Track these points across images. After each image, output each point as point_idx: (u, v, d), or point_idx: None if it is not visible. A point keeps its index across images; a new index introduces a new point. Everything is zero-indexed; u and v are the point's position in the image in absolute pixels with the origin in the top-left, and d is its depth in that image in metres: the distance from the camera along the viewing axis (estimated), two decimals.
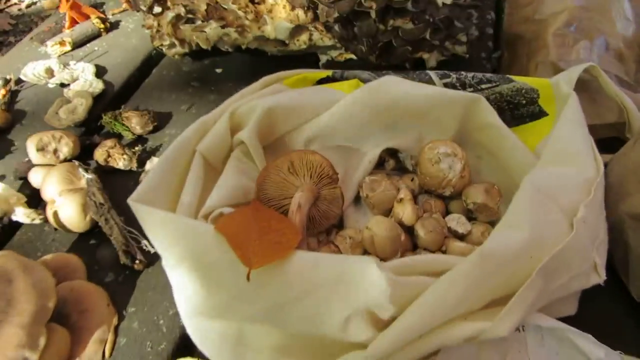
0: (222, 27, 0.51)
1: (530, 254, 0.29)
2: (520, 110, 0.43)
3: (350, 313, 0.29)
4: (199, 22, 0.52)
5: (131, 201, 0.34)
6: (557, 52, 0.47)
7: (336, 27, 0.47)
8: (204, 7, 0.50)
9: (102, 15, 0.67)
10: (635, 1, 0.54)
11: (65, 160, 0.47)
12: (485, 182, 0.41)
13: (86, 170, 0.44)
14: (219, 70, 0.59)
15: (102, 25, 0.65)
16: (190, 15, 0.51)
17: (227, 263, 0.31)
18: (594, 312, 0.34)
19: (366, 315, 0.29)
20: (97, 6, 0.71)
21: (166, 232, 0.33)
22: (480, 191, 0.39)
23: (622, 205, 0.35)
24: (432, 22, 0.45)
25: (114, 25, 0.67)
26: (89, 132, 0.52)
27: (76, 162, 0.45)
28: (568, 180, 0.34)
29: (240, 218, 0.34)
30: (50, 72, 0.57)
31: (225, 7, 0.49)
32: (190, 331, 0.33)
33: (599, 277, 0.32)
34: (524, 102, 0.42)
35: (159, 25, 0.54)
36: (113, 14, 0.69)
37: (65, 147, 0.47)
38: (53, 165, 0.46)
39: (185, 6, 0.50)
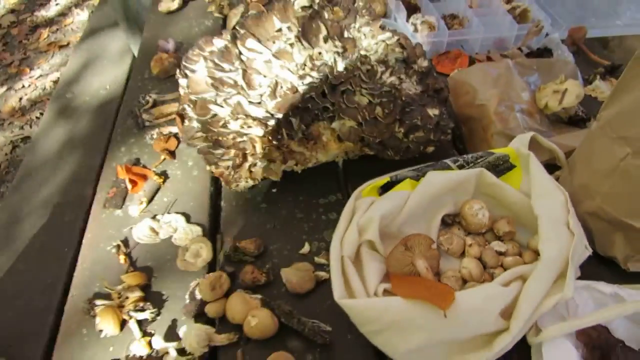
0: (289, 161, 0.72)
1: (564, 252, 0.56)
2: (500, 167, 0.71)
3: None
4: (272, 164, 0.72)
5: (337, 299, 0.55)
6: (501, 125, 0.77)
7: (375, 145, 0.71)
8: (279, 155, 0.70)
9: (153, 171, 0.83)
10: (521, 73, 0.86)
11: (229, 290, 0.64)
12: (502, 216, 0.67)
13: (253, 292, 0.62)
14: (274, 190, 0.79)
15: (160, 179, 0.81)
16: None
17: (411, 312, 0.53)
18: (585, 273, 0.62)
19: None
20: (136, 163, 0.86)
21: (367, 311, 0.54)
22: (504, 224, 0.66)
23: (580, 209, 0.64)
24: (431, 127, 0.72)
25: (164, 174, 0.83)
26: (221, 266, 0.69)
27: (241, 290, 0.63)
28: (555, 205, 0.62)
29: (405, 285, 0.56)
30: (154, 230, 0.73)
31: (295, 149, 0.70)
32: None
33: (589, 251, 0.61)
34: (502, 162, 0.70)
35: (234, 171, 0.73)
36: (156, 166, 0.85)
37: (225, 282, 0.64)
38: (220, 298, 0.63)
39: (265, 155, 0.70)
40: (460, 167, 0.69)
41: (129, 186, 0.80)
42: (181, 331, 0.61)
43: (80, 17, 3.73)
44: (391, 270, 0.61)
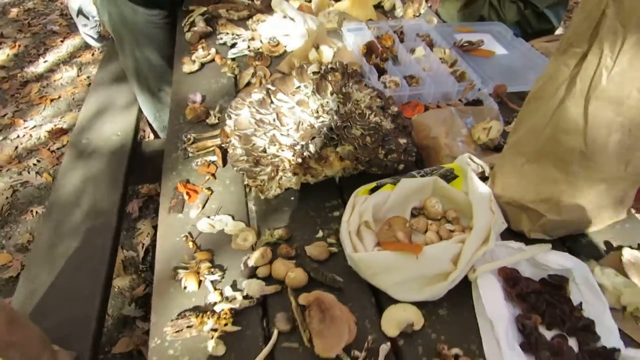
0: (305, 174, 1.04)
1: (488, 224, 0.90)
2: (449, 177, 1.05)
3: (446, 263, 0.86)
4: (295, 177, 1.04)
5: (349, 254, 0.86)
6: (448, 150, 1.12)
7: (364, 164, 1.05)
8: (301, 170, 1.03)
9: (202, 187, 1.13)
10: (461, 116, 1.23)
11: (271, 260, 0.94)
12: (450, 208, 1.01)
13: (288, 260, 0.92)
14: (292, 198, 1.11)
15: (209, 192, 1.11)
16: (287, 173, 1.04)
17: (395, 260, 0.85)
18: (502, 239, 0.96)
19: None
20: (187, 182, 1.16)
21: (367, 260, 0.86)
22: (452, 212, 1.00)
23: (499, 200, 0.99)
24: (402, 151, 1.06)
25: (210, 189, 1.13)
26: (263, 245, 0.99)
27: (280, 258, 0.93)
28: (483, 198, 0.96)
29: (390, 245, 0.88)
30: (212, 225, 1.02)
31: (312, 166, 1.03)
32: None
33: (505, 225, 0.95)
34: (449, 174, 1.05)
35: (268, 183, 1.05)
36: (203, 184, 1.15)
37: (269, 253, 0.94)
38: (267, 263, 0.93)
39: (292, 170, 1.02)
40: (422, 176, 1.04)
41: (186, 197, 1.10)
42: (242, 285, 0.90)
43: (69, 73, 4.01)
44: (381, 239, 0.93)
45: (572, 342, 0.81)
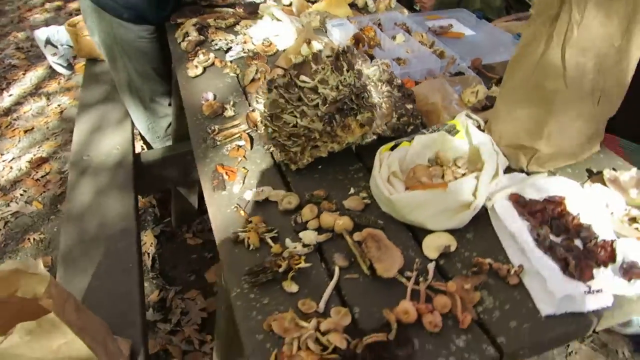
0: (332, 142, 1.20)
1: (495, 163, 1.09)
2: (451, 132, 1.24)
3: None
4: (320, 145, 1.20)
5: (388, 196, 1.03)
6: (447, 112, 1.31)
7: (381, 128, 1.22)
8: (329, 139, 1.19)
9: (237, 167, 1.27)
10: (450, 85, 1.42)
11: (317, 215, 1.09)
12: (457, 157, 1.20)
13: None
14: (320, 167, 1.26)
15: (245, 170, 1.25)
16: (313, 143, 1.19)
17: (426, 197, 1.02)
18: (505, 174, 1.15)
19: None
20: (221, 165, 1.29)
21: (404, 200, 1.03)
22: (460, 159, 1.18)
23: (499, 144, 1.18)
24: (410, 114, 1.24)
25: (245, 168, 1.27)
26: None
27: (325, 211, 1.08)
28: (487, 143, 1.15)
29: (419, 186, 1.05)
30: (258, 194, 1.17)
31: (338, 133, 1.19)
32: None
33: (507, 162, 1.14)
34: (452, 129, 1.24)
35: (300, 154, 1.20)
36: (237, 164, 1.29)
37: (315, 209, 1.09)
38: (314, 217, 1.08)
39: (321, 138, 1.18)
40: (430, 133, 1.22)
41: (226, 177, 1.23)
42: (299, 236, 1.05)
43: (38, 104, 4.02)
44: (408, 185, 1.10)
45: (577, 242, 1.00)
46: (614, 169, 1.18)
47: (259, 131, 1.25)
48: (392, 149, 1.18)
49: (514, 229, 1.00)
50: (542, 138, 1.12)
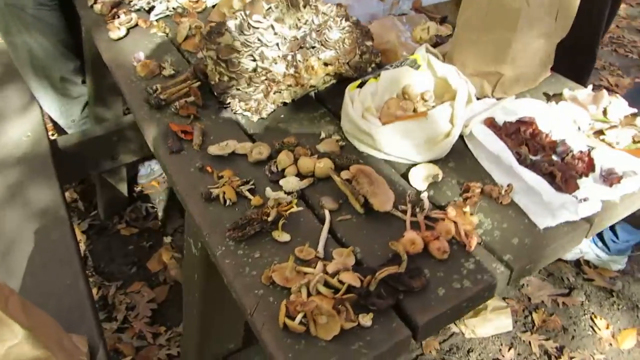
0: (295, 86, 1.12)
1: (466, 90, 1.07)
2: (414, 66, 1.20)
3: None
4: (283, 89, 1.11)
5: (367, 132, 0.97)
6: (404, 48, 1.27)
7: (344, 66, 1.15)
8: (293, 81, 1.10)
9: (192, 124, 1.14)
10: (400, 24, 1.38)
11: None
12: (424, 91, 1.16)
13: None
14: (282, 116, 1.17)
15: (202, 124, 1.13)
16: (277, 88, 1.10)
17: (407, 127, 0.98)
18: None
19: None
20: None
21: (385, 134, 0.98)
22: (426, 92, 1.15)
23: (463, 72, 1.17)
24: (371, 52, 1.19)
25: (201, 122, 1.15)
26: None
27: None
28: (453, 72, 1.13)
29: (401, 119, 1.00)
30: (221, 147, 1.05)
31: (302, 74, 1.11)
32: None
33: (475, 89, 1.13)
34: (414, 64, 1.20)
35: (262, 102, 1.10)
36: (191, 122, 1.16)
37: (291, 155, 1.01)
38: (292, 164, 1.00)
39: (285, 82, 1.09)
40: (395, 68, 1.17)
41: (182, 135, 1.11)
42: (280, 183, 0.96)
43: None
44: (384, 120, 1.05)
45: (555, 158, 1.02)
46: (569, 89, 1.21)
47: (212, 82, 1.13)
48: (360, 86, 1.12)
49: (497, 150, 0.98)
50: (506, 62, 1.12)
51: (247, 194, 0.96)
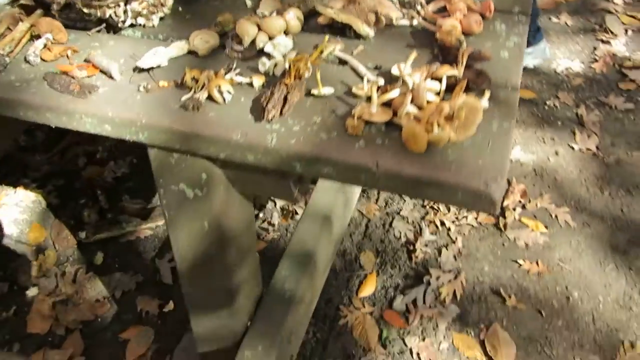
0: None
1: None
2: None
3: None
4: None
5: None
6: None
7: None
8: None
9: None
10: None
11: None
12: None
13: None
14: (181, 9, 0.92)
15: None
16: None
17: None
18: None
19: None
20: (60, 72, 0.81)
21: None
22: None
23: None
24: None
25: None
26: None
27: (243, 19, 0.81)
28: None
29: None
30: (158, 55, 0.78)
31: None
32: None
33: None
34: None
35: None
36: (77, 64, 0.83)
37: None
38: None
39: None
40: None
41: (86, 73, 0.79)
42: (267, 50, 0.76)
43: None
44: None
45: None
46: None
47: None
48: None
49: None
50: None
51: (242, 78, 0.74)
